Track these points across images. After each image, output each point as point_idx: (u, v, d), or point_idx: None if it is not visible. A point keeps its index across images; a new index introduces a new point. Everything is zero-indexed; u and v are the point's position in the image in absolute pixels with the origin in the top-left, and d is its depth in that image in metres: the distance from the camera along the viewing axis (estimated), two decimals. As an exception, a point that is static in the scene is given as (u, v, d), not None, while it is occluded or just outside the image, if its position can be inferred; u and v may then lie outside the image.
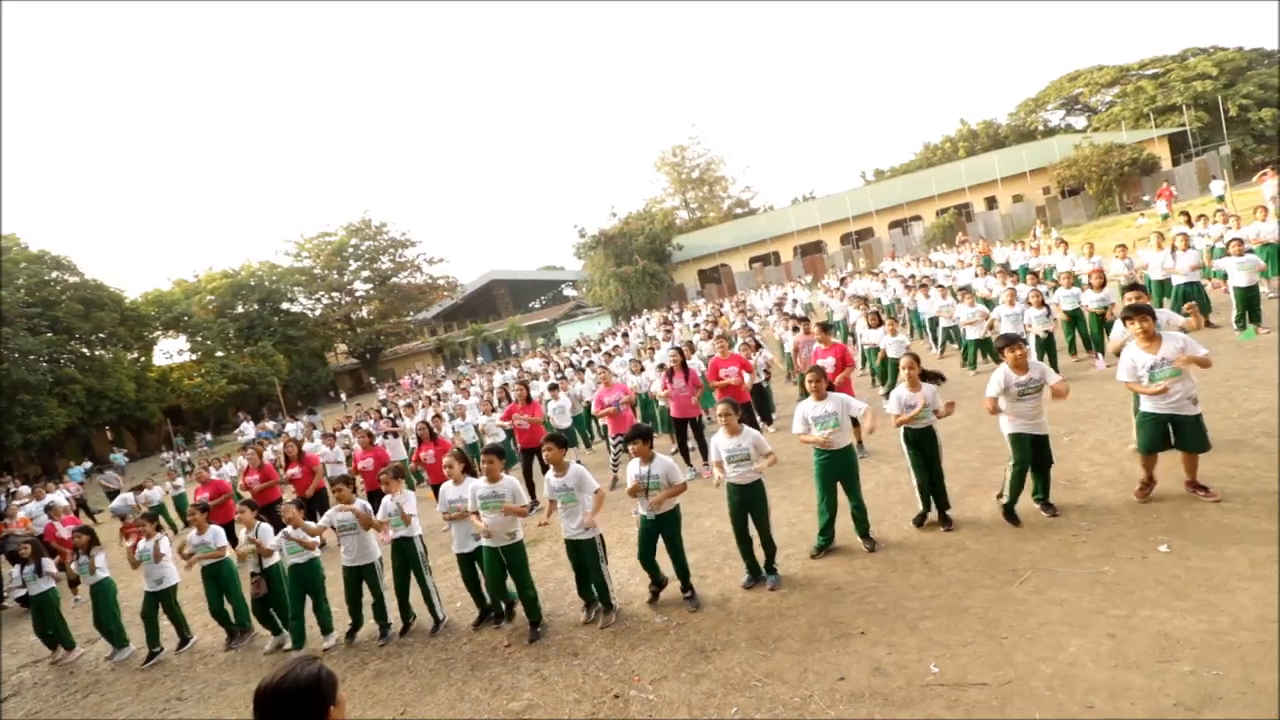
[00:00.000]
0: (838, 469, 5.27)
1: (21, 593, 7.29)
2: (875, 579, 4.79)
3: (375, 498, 8.61)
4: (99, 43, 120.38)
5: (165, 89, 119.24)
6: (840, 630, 4.25)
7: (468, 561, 5.53)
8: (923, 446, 5.32)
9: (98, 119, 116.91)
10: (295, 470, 9.22)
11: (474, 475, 5.49)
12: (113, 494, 14.61)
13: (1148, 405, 4.85)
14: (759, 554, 5.19)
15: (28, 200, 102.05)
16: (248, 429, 27.25)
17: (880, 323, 10.35)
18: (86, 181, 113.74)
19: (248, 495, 9.53)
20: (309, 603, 6.06)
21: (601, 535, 5.15)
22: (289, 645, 6.15)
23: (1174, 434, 4.78)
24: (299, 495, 9.13)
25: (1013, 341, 5.09)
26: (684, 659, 4.35)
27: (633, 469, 4.99)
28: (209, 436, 31.32)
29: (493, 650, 5.13)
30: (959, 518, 5.42)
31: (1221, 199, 24.17)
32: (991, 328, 10.06)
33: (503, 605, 5.52)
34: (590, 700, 4.17)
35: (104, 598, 7.02)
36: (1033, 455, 5.07)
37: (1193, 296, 9.65)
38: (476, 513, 5.19)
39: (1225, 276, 9.23)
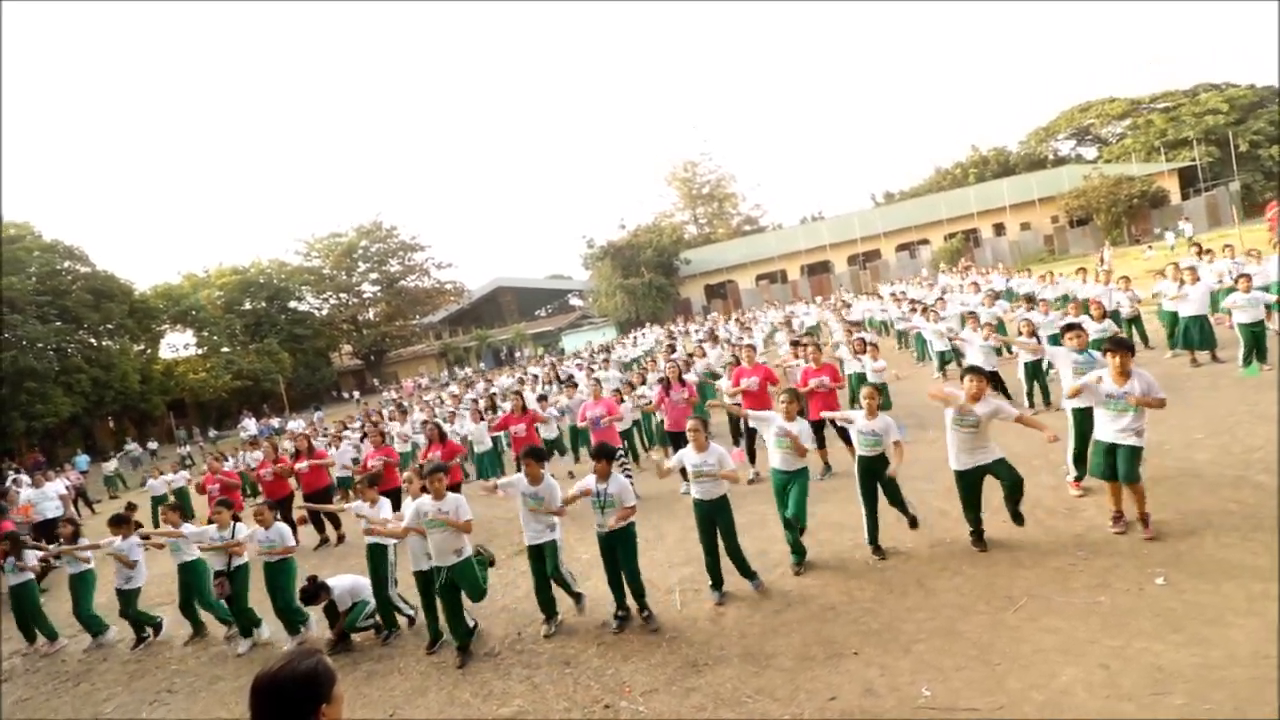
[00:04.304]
0: (789, 488, 5.37)
1: (16, 580, 7.35)
2: (870, 600, 4.79)
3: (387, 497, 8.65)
4: (120, 38, 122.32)
5: (184, 86, 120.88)
6: (833, 650, 4.24)
7: (424, 579, 5.39)
8: (874, 474, 5.39)
9: (117, 113, 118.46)
10: (304, 465, 9.25)
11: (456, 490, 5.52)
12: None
13: (1101, 434, 5.02)
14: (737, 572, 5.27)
15: (44, 190, 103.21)
16: (250, 425, 27.35)
17: (865, 349, 10.31)
18: (103, 174, 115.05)
19: (260, 486, 9.56)
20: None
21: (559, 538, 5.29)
22: (264, 637, 6.18)
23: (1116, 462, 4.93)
24: (307, 491, 9.16)
25: (974, 372, 5.18)
26: (675, 672, 4.35)
27: (587, 483, 5.07)
28: (213, 432, 31.39)
29: (484, 655, 5.12)
30: (955, 541, 5.41)
31: (1173, 248, 24.31)
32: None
33: (463, 633, 5.25)
34: (580, 709, 4.17)
35: (80, 588, 7.08)
36: (997, 479, 5.08)
37: (1193, 332, 9.63)
38: (422, 530, 5.13)
39: (1229, 312, 9.22)
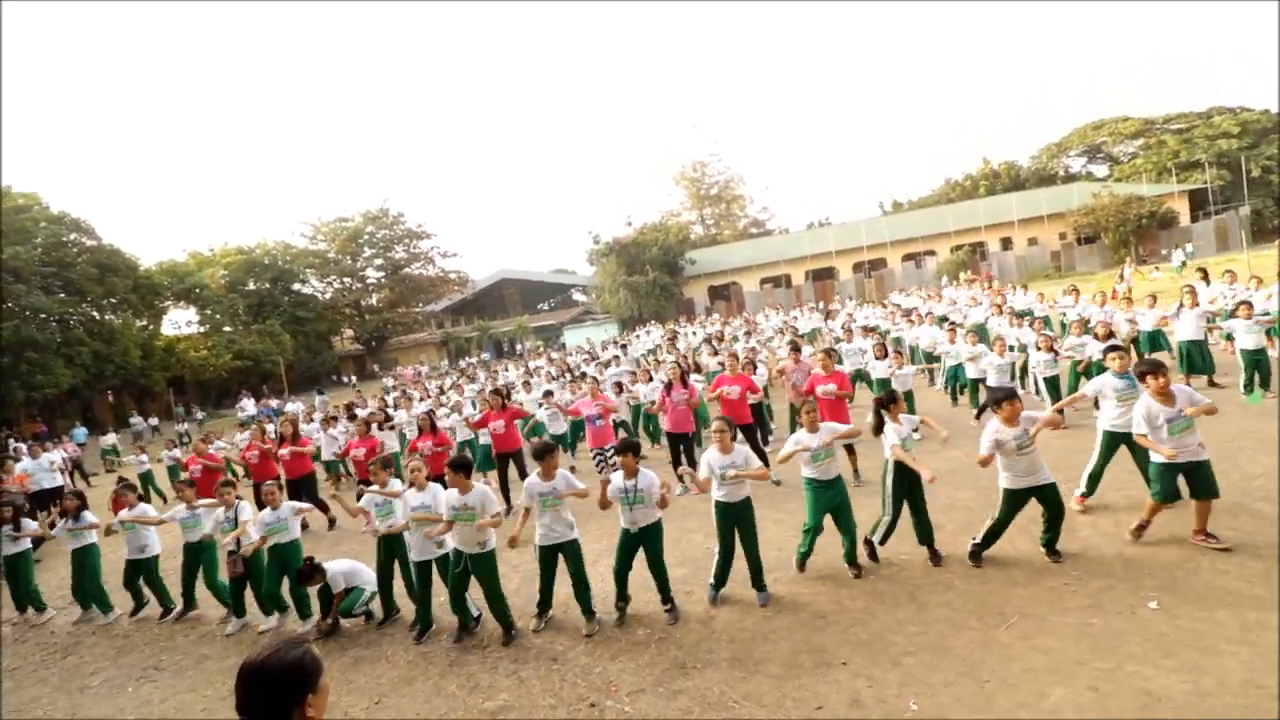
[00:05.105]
0: (829, 501, 5.29)
1: (12, 550, 7.37)
2: (861, 610, 4.77)
3: (366, 486, 8.61)
4: (139, 21, 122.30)
5: (201, 69, 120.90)
6: (822, 659, 4.23)
7: (424, 569, 5.40)
8: (910, 477, 5.32)
9: (132, 92, 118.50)
10: (286, 451, 9.23)
11: (441, 482, 5.45)
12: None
13: (1161, 458, 4.91)
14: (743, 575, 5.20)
15: (55, 163, 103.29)
16: (248, 405, 27.33)
17: (886, 353, 10.33)
18: (113, 151, 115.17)
19: (246, 469, 9.60)
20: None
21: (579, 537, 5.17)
22: (264, 627, 6.16)
23: (1188, 482, 4.92)
24: (290, 477, 9.16)
25: (1010, 396, 5.06)
26: (663, 673, 4.34)
27: (616, 482, 5.00)
28: (201, 413, 31.27)
29: (472, 648, 5.12)
30: (949, 555, 5.39)
31: (1180, 269, 24.21)
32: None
33: (469, 619, 5.32)
34: (566, 706, 4.15)
35: (87, 562, 7.05)
36: (1041, 502, 5.03)
37: (1194, 356, 9.60)
38: (450, 522, 5.08)
39: (1231, 338, 9.18)
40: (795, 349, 9.77)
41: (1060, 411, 5.73)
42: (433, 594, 5.53)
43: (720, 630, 4.79)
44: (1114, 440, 5.78)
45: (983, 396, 10.62)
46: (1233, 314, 9.30)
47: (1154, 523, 5.14)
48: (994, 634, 4.21)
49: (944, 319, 14.52)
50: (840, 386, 7.59)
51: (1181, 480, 4.95)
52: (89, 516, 7.13)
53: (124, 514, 6.78)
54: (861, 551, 5.50)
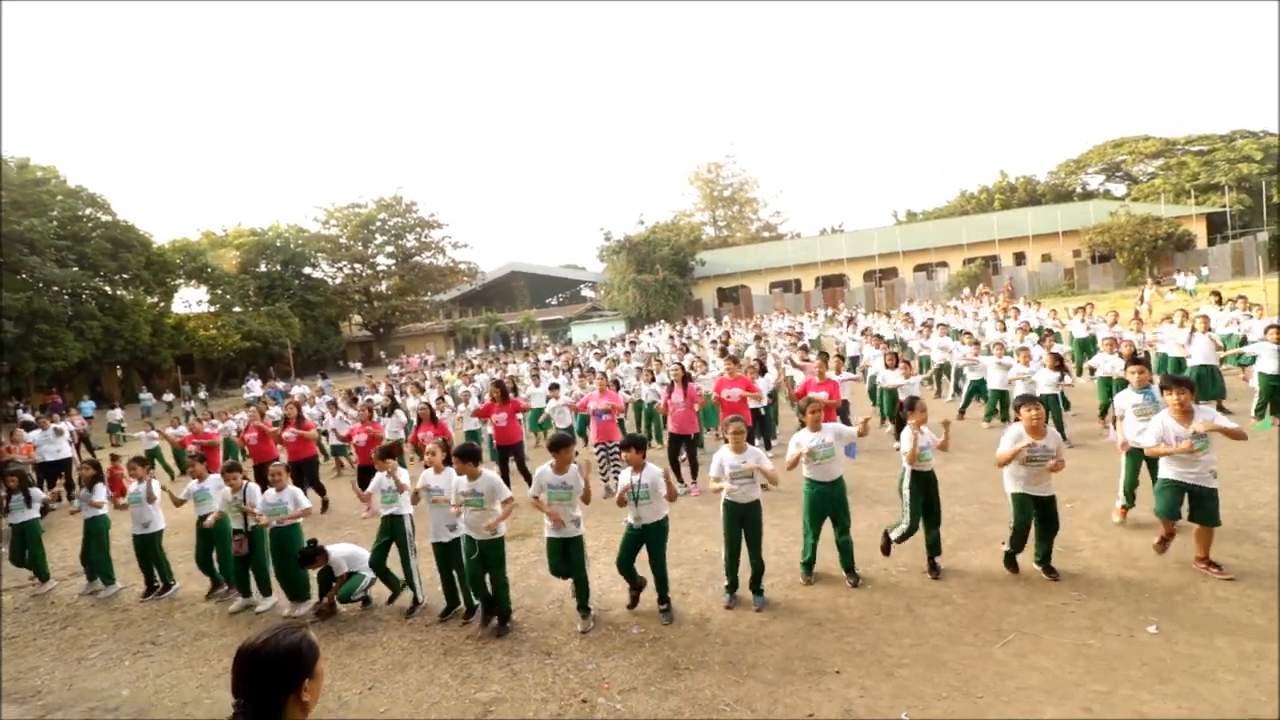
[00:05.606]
0: (829, 501, 5.27)
1: (22, 517, 7.45)
2: (857, 620, 4.76)
3: (365, 473, 8.67)
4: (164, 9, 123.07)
5: (223, 55, 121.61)
6: (815, 666, 4.22)
7: (443, 551, 5.46)
8: (927, 487, 5.30)
9: (156, 74, 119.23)
10: (290, 433, 9.27)
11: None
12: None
13: (1169, 473, 4.90)
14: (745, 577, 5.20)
15: (73, 138, 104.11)
16: (254, 386, 27.43)
17: (897, 363, 10.31)
18: (134, 129, 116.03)
19: (245, 451, 9.68)
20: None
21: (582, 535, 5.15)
22: (261, 607, 6.19)
23: (1191, 505, 4.86)
24: (292, 459, 9.20)
25: (1030, 401, 5.05)
26: (656, 673, 4.34)
27: (623, 478, 5.00)
28: (204, 393, 31.35)
29: (466, 638, 5.14)
30: (947, 569, 5.38)
31: (1193, 293, 23.95)
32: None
33: (475, 601, 5.43)
34: (558, 701, 4.16)
35: (98, 532, 7.13)
36: (1037, 515, 5.02)
37: (1205, 380, 9.51)
38: (459, 506, 5.11)
39: (1249, 363, 9.08)
40: (824, 356, 9.86)
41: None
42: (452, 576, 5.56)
43: (715, 633, 4.79)
44: (1136, 454, 5.77)
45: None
46: (1243, 340, 9.22)
47: (1165, 541, 5.11)
48: (990, 650, 4.19)
49: (962, 332, 14.41)
50: (831, 395, 7.68)
51: (1185, 505, 4.91)
52: (101, 488, 7.21)
53: (134, 486, 6.82)
54: (875, 543, 5.57)
